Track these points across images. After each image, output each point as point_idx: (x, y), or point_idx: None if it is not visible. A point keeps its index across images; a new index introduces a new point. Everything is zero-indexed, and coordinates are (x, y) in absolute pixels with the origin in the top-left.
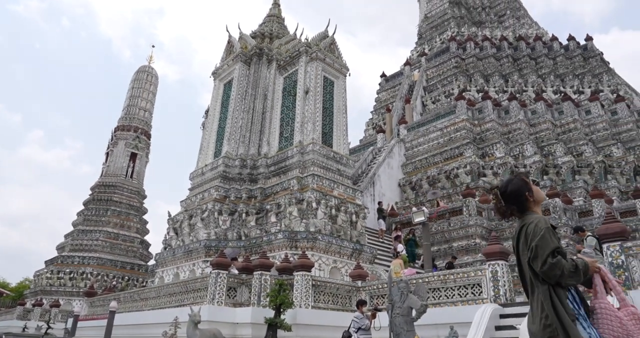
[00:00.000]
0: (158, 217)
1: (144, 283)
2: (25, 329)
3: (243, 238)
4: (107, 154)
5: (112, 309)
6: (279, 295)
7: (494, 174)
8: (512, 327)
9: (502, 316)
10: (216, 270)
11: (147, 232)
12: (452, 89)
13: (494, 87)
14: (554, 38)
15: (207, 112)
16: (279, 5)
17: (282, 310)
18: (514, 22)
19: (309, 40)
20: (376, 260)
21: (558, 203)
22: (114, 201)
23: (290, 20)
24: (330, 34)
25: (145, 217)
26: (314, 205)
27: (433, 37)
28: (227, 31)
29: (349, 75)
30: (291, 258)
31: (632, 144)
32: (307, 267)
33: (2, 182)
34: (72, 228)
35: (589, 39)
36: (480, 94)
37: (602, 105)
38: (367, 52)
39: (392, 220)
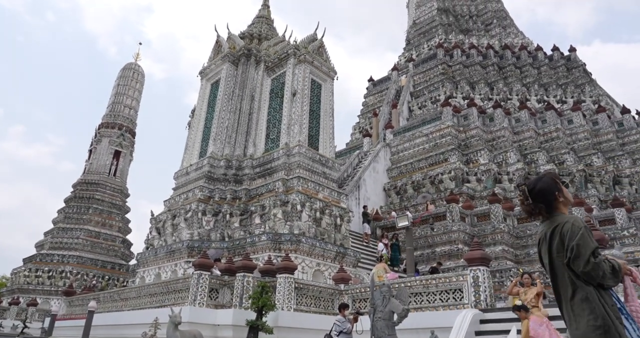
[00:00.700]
0: (141, 216)
1: (125, 283)
2: (0, 328)
3: (226, 239)
4: (90, 151)
5: (91, 309)
6: (261, 297)
7: (477, 180)
8: (492, 333)
9: (483, 321)
10: (198, 271)
11: (129, 231)
12: (439, 95)
13: (480, 94)
14: (539, 48)
15: (193, 111)
16: (268, 7)
17: (264, 312)
18: (500, 31)
19: (298, 43)
20: (360, 264)
21: None
22: (96, 199)
23: (280, 22)
24: (319, 37)
25: (128, 216)
26: (298, 207)
27: (421, 44)
28: (216, 31)
29: (337, 78)
30: (274, 261)
31: (611, 154)
32: (290, 270)
33: None
34: (52, 226)
35: (572, 50)
36: (466, 101)
37: (584, 115)
38: (355, 56)
39: (377, 224)
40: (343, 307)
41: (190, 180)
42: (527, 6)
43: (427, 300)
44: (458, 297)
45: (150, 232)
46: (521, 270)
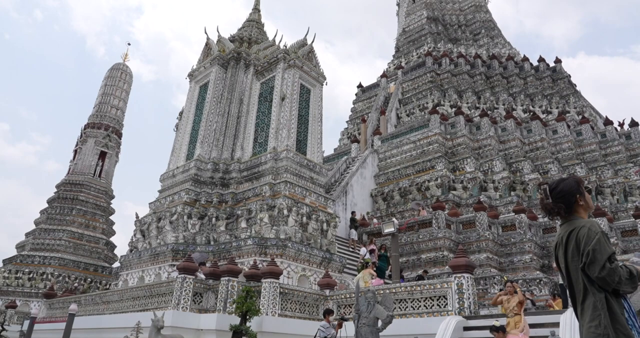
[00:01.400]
0: (126, 218)
1: (107, 286)
2: None
3: (212, 243)
4: (76, 151)
5: (72, 312)
6: (245, 302)
7: (463, 188)
8: None
9: (466, 328)
10: (182, 275)
11: (113, 233)
12: (427, 103)
13: (467, 103)
14: (525, 59)
15: (181, 113)
16: (259, 11)
17: (248, 317)
18: (488, 41)
19: (288, 47)
20: (345, 270)
21: (524, 219)
22: (80, 200)
23: (270, 26)
24: (309, 42)
25: (112, 217)
26: (285, 212)
27: (410, 51)
28: (206, 33)
29: (326, 83)
30: (260, 265)
31: (594, 164)
32: (276, 274)
33: None
34: (34, 227)
35: (558, 61)
36: (454, 109)
37: (568, 126)
38: (345, 62)
39: (363, 230)
40: (328, 312)
41: (177, 183)
42: (514, 17)
43: (412, 306)
44: (442, 304)
45: (135, 235)
46: (505, 278)
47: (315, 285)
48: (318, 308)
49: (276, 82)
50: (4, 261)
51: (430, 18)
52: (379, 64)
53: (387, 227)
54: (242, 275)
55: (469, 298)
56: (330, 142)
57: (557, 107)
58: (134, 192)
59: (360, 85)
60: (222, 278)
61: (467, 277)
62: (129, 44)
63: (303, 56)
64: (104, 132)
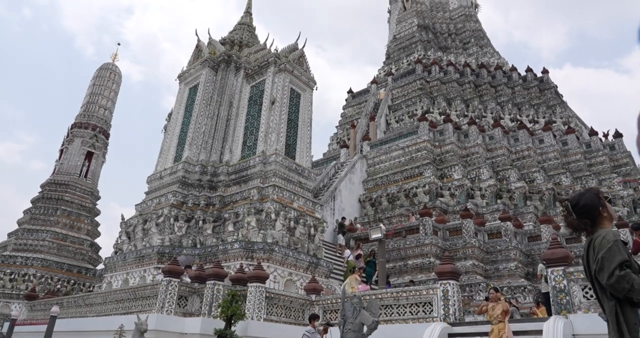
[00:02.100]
0: (111, 220)
1: (91, 288)
2: None
3: (198, 246)
4: (62, 151)
5: (53, 314)
6: (231, 306)
7: (451, 195)
8: None
9: (451, 335)
10: (168, 278)
11: (98, 234)
12: (416, 110)
13: (456, 110)
14: (514, 68)
15: (170, 115)
16: (250, 14)
17: (233, 321)
18: (477, 50)
19: (279, 51)
20: (332, 275)
21: (509, 226)
22: (64, 200)
23: (262, 30)
24: (300, 46)
25: (97, 219)
26: (272, 216)
27: (400, 58)
28: (197, 35)
29: (316, 88)
30: (246, 269)
31: (579, 174)
32: (262, 279)
33: None
34: (17, 227)
35: (545, 72)
36: (442, 117)
37: (554, 136)
38: (336, 67)
39: (350, 235)
40: (313, 317)
41: (164, 185)
42: (504, 28)
43: (397, 312)
44: (428, 310)
45: (120, 237)
46: (491, 285)
47: (302, 290)
48: (304, 313)
49: (266, 85)
50: None
51: (420, 26)
52: (370, 70)
53: (375, 233)
54: (228, 279)
55: (454, 305)
56: (319, 147)
57: (544, 117)
58: (121, 194)
59: (350, 91)
60: (207, 282)
61: (453, 284)
62: (118, 44)
63: (294, 60)
64: (91, 132)
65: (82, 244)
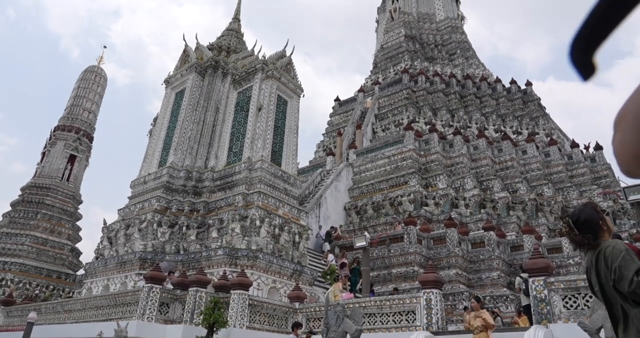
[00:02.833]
0: (94, 225)
1: (70, 294)
2: None
3: (181, 252)
4: (44, 153)
5: (31, 320)
6: (213, 313)
7: (435, 204)
8: None
9: None
10: (149, 284)
11: (79, 239)
12: (402, 119)
13: (441, 120)
14: (498, 80)
15: (155, 119)
16: (239, 21)
17: (215, 329)
18: (463, 61)
19: (266, 58)
20: (316, 283)
21: (492, 236)
22: (45, 204)
23: (250, 36)
24: (287, 54)
25: (79, 223)
26: (257, 223)
27: (387, 68)
28: (184, 40)
29: (303, 96)
30: (230, 276)
31: (561, 185)
32: (245, 286)
33: None
34: None
35: (528, 84)
36: (428, 126)
37: (537, 147)
38: (323, 75)
39: (335, 243)
40: (296, 326)
41: (148, 190)
42: (489, 40)
43: (381, 321)
44: (411, 319)
45: (102, 242)
46: (474, 295)
47: (286, 298)
48: (287, 321)
49: (253, 92)
50: None
51: (408, 36)
52: (357, 79)
53: (359, 241)
54: (211, 286)
55: (437, 313)
56: (305, 154)
57: (527, 128)
58: (104, 198)
59: (337, 99)
60: (190, 289)
61: (436, 293)
62: (104, 47)
63: (281, 67)
64: (74, 135)
65: (62, 249)
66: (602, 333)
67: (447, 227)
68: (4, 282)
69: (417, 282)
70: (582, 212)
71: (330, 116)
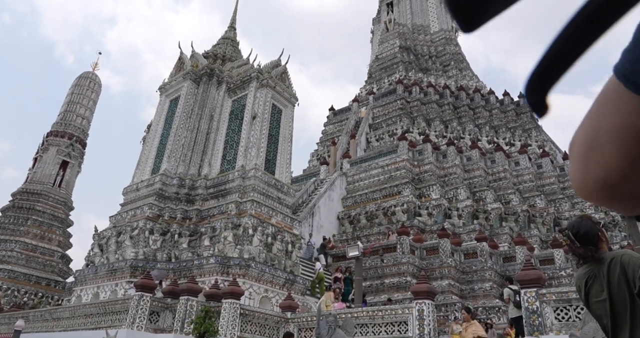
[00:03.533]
0: (85, 231)
1: (60, 302)
2: None
3: (173, 260)
4: (36, 159)
5: (18, 328)
6: (204, 322)
7: (428, 215)
8: None
9: None
10: (140, 292)
11: (70, 246)
12: (396, 129)
13: (435, 131)
14: (491, 92)
15: (149, 126)
16: (234, 29)
17: None
18: (456, 73)
19: (262, 67)
20: (308, 292)
21: (485, 247)
22: (36, 210)
23: (245, 45)
24: (282, 63)
25: (70, 230)
26: (250, 231)
27: (382, 78)
28: (179, 48)
29: (298, 105)
30: (222, 285)
31: (553, 196)
32: (237, 295)
33: None
34: None
35: (521, 96)
36: (422, 137)
37: (530, 159)
38: (318, 84)
39: (328, 253)
40: (288, 335)
41: (140, 197)
42: (483, 52)
43: (373, 331)
44: (403, 330)
45: (92, 249)
46: (466, 306)
47: (277, 307)
48: (279, 331)
49: (248, 100)
50: None
51: (402, 47)
52: (352, 89)
53: (352, 251)
54: (202, 295)
55: (429, 324)
56: (299, 163)
57: (520, 140)
58: (95, 205)
59: (332, 108)
60: (181, 297)
61: (429, 304)
62: (99, 53)
63: (276, 76)
64: (67, 141)
65: (52, 256)
66: None
67: (440, 237)
68: None
69: (409, 293)
70: (581, 224)
71: (325, 125)
